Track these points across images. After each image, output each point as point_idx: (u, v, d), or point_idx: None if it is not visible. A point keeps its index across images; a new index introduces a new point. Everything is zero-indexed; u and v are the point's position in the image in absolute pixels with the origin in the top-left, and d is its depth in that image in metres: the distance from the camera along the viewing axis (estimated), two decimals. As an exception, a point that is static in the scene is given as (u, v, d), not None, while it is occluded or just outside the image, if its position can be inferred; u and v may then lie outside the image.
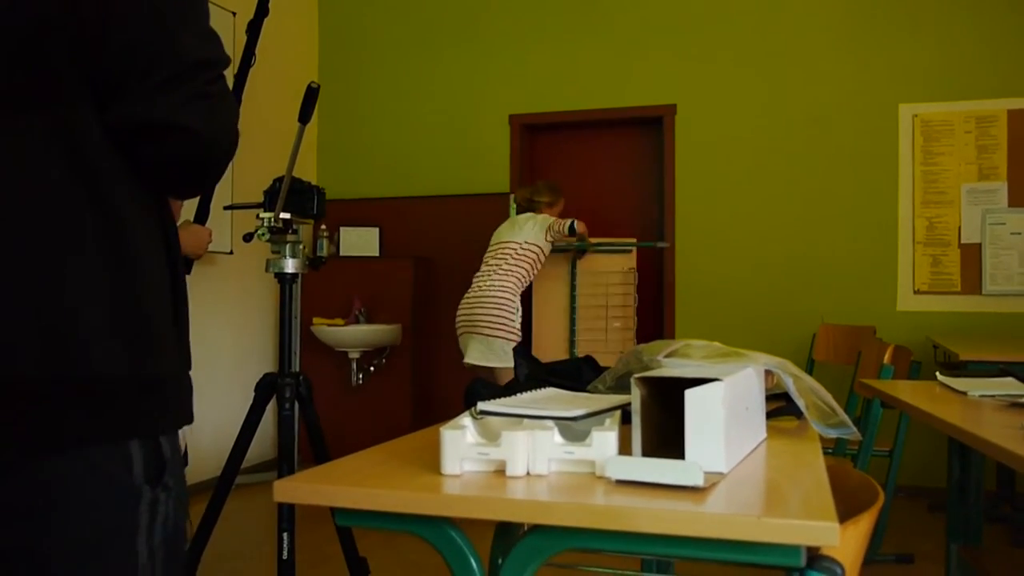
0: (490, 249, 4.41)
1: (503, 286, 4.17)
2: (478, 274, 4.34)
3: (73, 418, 0.92)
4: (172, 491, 1.01)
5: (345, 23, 5.77)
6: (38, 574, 0.93)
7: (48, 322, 0.91)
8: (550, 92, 5.34)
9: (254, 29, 2.38)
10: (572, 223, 4.33)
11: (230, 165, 1.08)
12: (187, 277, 1.15)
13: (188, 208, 2.82)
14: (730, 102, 5.01)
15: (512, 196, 5.15)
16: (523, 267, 4.27)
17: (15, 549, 0.92)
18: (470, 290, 4.27)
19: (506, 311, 4.13)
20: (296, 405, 2.30)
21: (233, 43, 4.26)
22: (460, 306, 4.26)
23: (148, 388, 0.98)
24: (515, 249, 4.29)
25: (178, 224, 2.44)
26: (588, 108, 5.26)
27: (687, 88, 5.08)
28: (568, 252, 4.95)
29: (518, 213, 4.60)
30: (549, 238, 4.33)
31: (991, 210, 4.64)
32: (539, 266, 4.38)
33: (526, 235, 4.32)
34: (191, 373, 1.08)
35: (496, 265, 4.29)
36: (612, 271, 5.00)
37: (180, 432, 1.07)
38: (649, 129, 5.27)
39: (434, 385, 5.41)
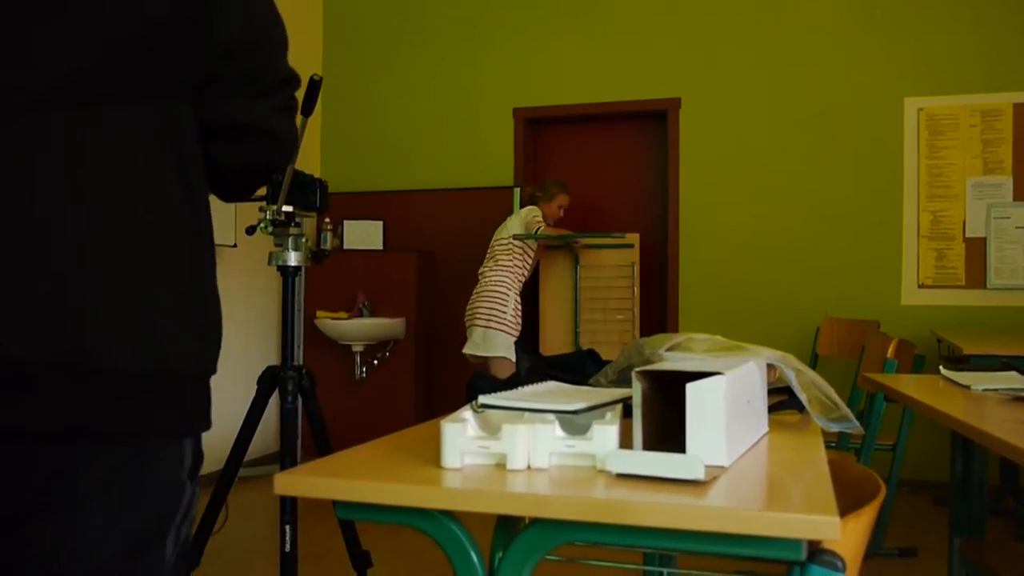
0: (491, 243, 4.62)
1: (496, 280, 4.40)
2: (481, 268, 4.57)
3: (164, 413, 0.97)
4: (198, 487, 1.06)
5: (349, 16, 5.76)
6: (79, 560, 0.93)
7: (141, 318, 0.94)
8: (554, 85, 5.32)
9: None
10: (538, 229, 4.51)
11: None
12: None
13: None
14: (734, 96, 4.99)
15: (519, 190, 5.16)
16: (514, 260, 4.48)
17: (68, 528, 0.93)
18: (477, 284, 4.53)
19: (498, 303, 4.33)
20: (299, 398, 2.30)
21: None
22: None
23: (207, 387, 1.04)
24: (505, 244, 4.51)
25: None
26: (592, 102, 5.24)
27: (691, 82, 5.07)
28: (565, 248, 4.96)
29: (520, 207, 4.74)
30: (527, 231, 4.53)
31: (996, 204, 4.62)
32: (529, 259, 4.55)
33: (512, 229, 4.55)
34: None
35: (492, 259, 4.53)
36: (614, 264, 4.99)
37: None
38: (653, 123, 5.26)
39: (438, 379, 5.41)
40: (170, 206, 0.98)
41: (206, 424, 1.03)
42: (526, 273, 4.55)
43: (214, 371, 1.04)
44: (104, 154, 0.94)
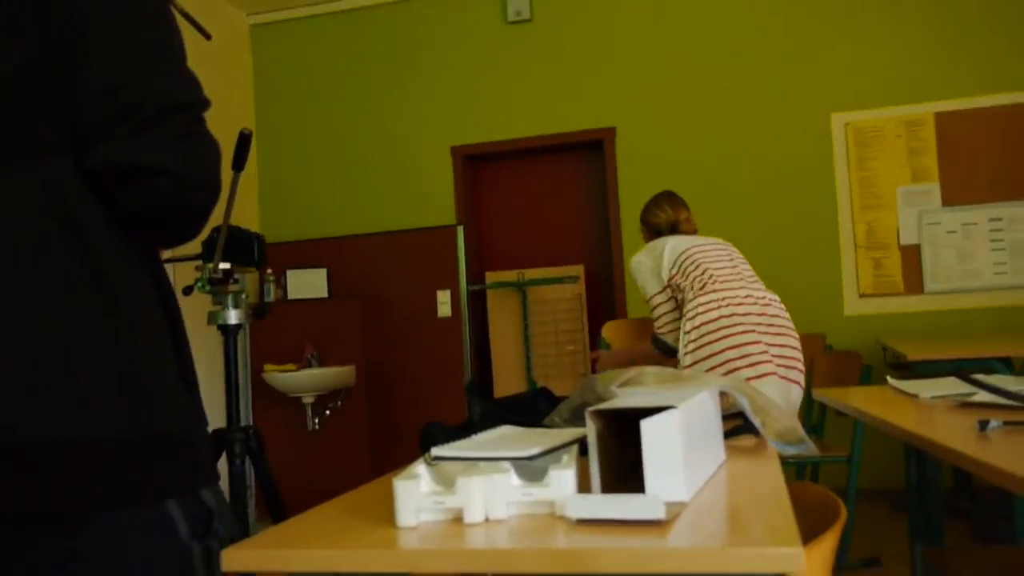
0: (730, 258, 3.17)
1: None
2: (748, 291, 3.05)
3: (89, 483, 0.90)
4: (227, 537, 1.01)
5: (279, 63, 5.73)
6: None
7: (49, 385, 0.88)
8: (490, 121, 5.36)
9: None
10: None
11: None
12: None
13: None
14: (668, 121, 5.08)
15: (462, 228, 5.15)
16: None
17: None
18: None
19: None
20: (247, 461, 2.24)
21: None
22: None
23: (164, 446, 0.96)
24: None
25: None
26: (528, 136, 5.29)
27: (624, 110, 5.14)
28: (512, 286, 4.97)
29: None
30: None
31: (926, 211, 4.75)
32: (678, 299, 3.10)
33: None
34: None
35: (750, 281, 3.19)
36: (562, 298, 5.02)
37: None
38: (590, 153, 5.32)
39: (391, 424, 5.34)
40: (63, 269, 0.92)
41: (180, 481, 0.98)
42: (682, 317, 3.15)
43: (165, 427, 0.96)
44: None
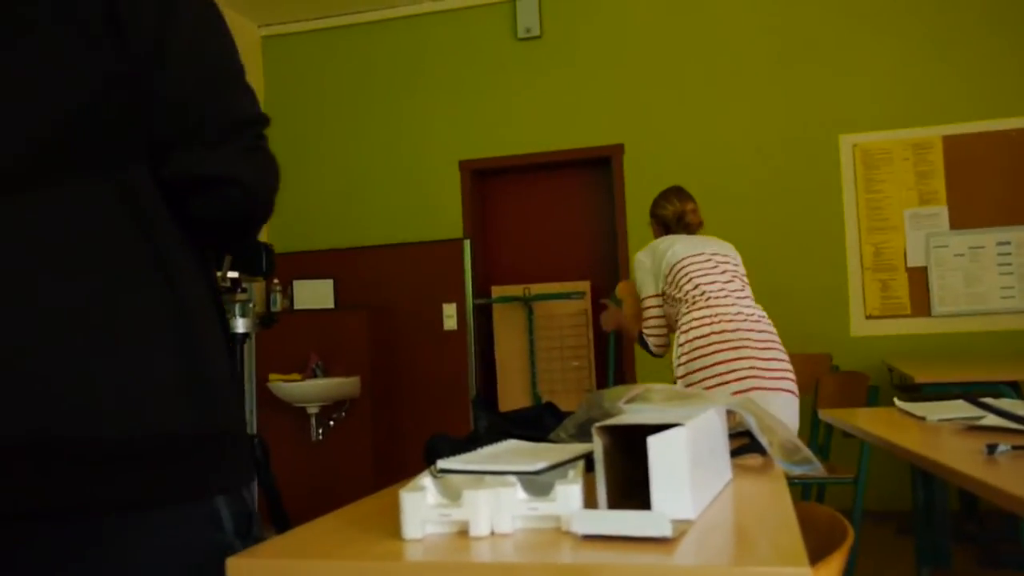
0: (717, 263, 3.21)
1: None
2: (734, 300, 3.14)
3: (152, 478, 0.93)
4: (261, 539, 1.03)
5: (290, 75, 5.76)
6: None
7: (120, 382, 0.92)
8: (498, 136, 5.37)
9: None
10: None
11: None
12: None
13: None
14: (676, 139, 5.09)
15: (468, 242, 5.15)
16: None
17: None
18: None
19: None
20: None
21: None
22: None
23: (220, 443, 1.00)
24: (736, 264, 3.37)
25: None
26: (537, 151, 5.30)
27: (633, 127, 5.16)
28: (518, 301, 4.97)
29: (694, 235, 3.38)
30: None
31: (934, 233, 4.75)
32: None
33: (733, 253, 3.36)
34: None
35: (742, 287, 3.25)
36: (567, 313, 5.01)
37: None
38: (598, 169, 5.33)
39: (395, 435, 5.33)
40: (139, 274, 0.96)
41: (228, 479, 1.02)
42: (676, 322, 3.18)
43: (224, 426, 1.01)
44: (62, 232, 0.93)
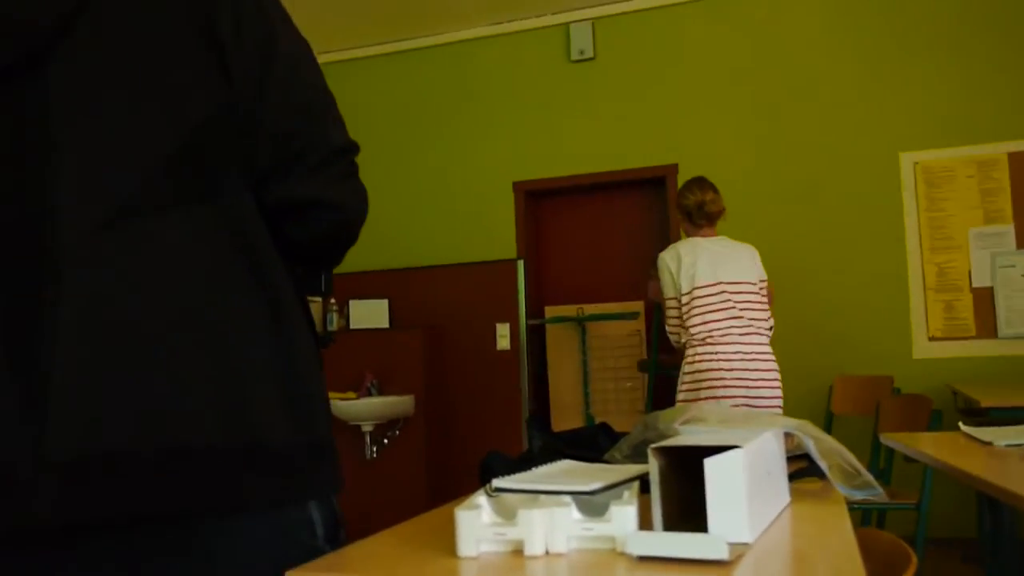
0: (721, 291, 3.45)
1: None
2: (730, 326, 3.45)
3: (256, 482, 0.98)
4: (347, 545, 1.09)
5: (346, 94, 5.86)
6: None
7: (227, 396, 0.97)
8: (552, 158, 5.39)
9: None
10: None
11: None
12: None
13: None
14: (731, 158, 5.05)
15: (522, 262, 5.17)
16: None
17: None
18: None
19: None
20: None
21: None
22: None
23: (318, 451, 1.05)
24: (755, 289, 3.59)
25: None
26: (590, 172, 5.30)
27: (688, 147, 5.13)
28: (571, 320, 4.97)
29: (715, 222, 3.60)
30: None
31: (1000, 253, 4.62)
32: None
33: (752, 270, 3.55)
34: None
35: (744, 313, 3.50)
36: (621, 334, 4.99)
37: None
38: (652, 189, 5.31)
39: (449, 455, 5.35)
40: (242, 294, 1.01)
41: (322, 486, 1.07)
42: (689, 328, 3.44)
43: (320, 435, 1.06)
44: (178, 258, 0.98)
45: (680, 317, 3.40)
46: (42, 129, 0.98)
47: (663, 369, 4.42)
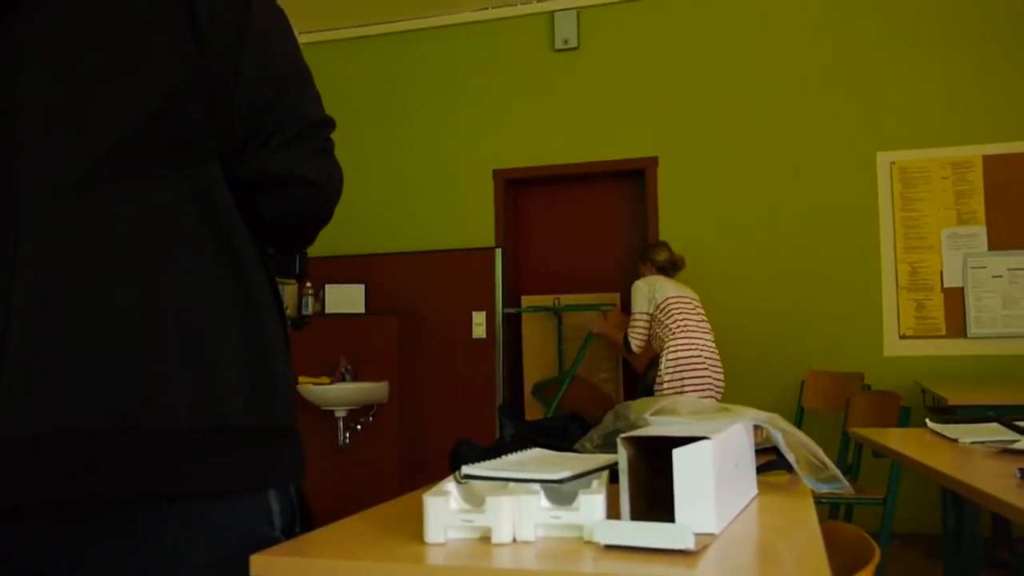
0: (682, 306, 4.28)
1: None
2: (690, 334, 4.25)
3: (213, 468, 0.96)
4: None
5: (326, 82, 5.82)
6: None
7: (189, 376, 0.95)
8: (532, 147, 5.38)
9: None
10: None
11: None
12: None
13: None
14: (710, 153, 5.06)
15: (500, 251, 5.17)
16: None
17: None
18: None
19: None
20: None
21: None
22: None
23: (280, 439, 1.03)
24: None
25: None
26: (570, 162, 5.30)
27: (668, 140, 5.14)
28: (547, 311, 4.98)
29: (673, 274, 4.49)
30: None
31: (972, 254, 4.67)
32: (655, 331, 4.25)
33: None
34: None
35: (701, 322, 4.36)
36: (597, 324, 4.99)
37: None
38: (631, 181, 5.31)
39: (422, 442, 5.34)
40: (207, 267, 0.99)
41: (282, 474, 1.05)
42: (658, 343, 4.24)
43: (284, 420, 1.04)
44: (142, 226, 0.96)
45: (648, 327, 4.25)
46: (5, 92, 0.96)
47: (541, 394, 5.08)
